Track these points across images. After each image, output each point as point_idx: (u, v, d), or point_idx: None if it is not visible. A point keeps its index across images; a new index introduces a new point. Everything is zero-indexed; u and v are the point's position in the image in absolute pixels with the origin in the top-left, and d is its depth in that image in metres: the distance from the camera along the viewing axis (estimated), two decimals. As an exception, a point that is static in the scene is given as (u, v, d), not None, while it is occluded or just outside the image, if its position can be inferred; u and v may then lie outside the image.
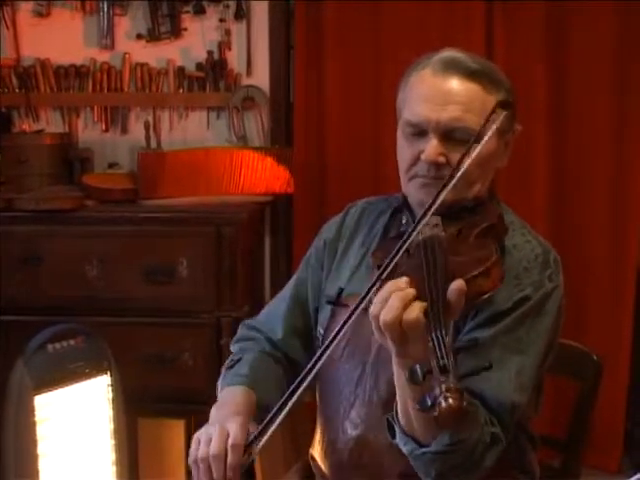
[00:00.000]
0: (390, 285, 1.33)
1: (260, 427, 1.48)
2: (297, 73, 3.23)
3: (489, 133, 1.52)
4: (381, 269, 1.39)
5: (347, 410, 1.65)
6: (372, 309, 1.32)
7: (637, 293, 3.23)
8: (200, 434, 1.55)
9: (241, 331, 1.91)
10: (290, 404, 1.43)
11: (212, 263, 2.85)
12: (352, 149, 3.20)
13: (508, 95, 1.63)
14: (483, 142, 1.51)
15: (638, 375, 3.28)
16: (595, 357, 1.99)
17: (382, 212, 1.77)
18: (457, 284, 1.29)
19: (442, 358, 1.18)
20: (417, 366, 1.20)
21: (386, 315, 1.29)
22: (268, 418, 1.46)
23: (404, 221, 1.70)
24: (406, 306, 1.29)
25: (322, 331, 1.73)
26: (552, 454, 2.02)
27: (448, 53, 1.62)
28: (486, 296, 1.36)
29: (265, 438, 1.46)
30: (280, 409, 1.44)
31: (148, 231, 2.89)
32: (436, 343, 1.21)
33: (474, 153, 1.50)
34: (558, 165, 3.18)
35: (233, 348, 1.88)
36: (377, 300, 1.32)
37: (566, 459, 2.00)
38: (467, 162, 1.50)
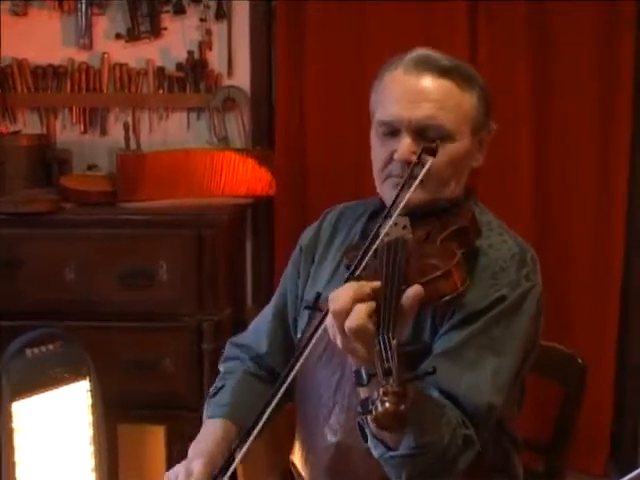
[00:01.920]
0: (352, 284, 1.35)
1: (224, 462, 1.52)
2: (279, 73, 3.24)
3: (419, 178, 1.52)
4: (349, 270, 1.42)
5: (326, 416, 1.66)
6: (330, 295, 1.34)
7: (622, 294, 3.25)
8: (170, 473, 1.62)
9: (227, 350, 1.92)
10: (261, 423, 1.44)
11: (193, 266, 2.85)
12: (334, 151, 3.21)
13: (483, 93, 1.64)
14: (413, 187, 1.51)
15: (624, 377, 3.30)
16: (579, 360, 2.00)
17: (360, 216, 1.78)
18: (413, 290, 1.31)
19: (387, 361, 1.19)
20: (362, 368, 1.21)
21: (334, 305, 1.31)
22: (236, 444, 1.50)
23: (384, 216, 1.70)
24: (358, 297, 1.30)
25: (299, 336, 1.74)
26: (536, 458, 2.03)
27: (420, 52, 1.63)
28: (447, 298, 1.37)
29: (228, 473, 1.50)
30: (250, 431, 1.45)
31: (127, 234, 2.88)
32: (382, 346, 1.21)
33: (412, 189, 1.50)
34: (542, 165, 3.20)
35: (220, 368, 1.90)
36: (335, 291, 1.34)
37: (550, 463, 2.01)
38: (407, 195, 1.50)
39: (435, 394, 1.47)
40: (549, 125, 3.19)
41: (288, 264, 1.87)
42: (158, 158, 3.12)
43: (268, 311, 1.89)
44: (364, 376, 1.21)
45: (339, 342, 1.32)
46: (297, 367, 1.41)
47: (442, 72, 1.59)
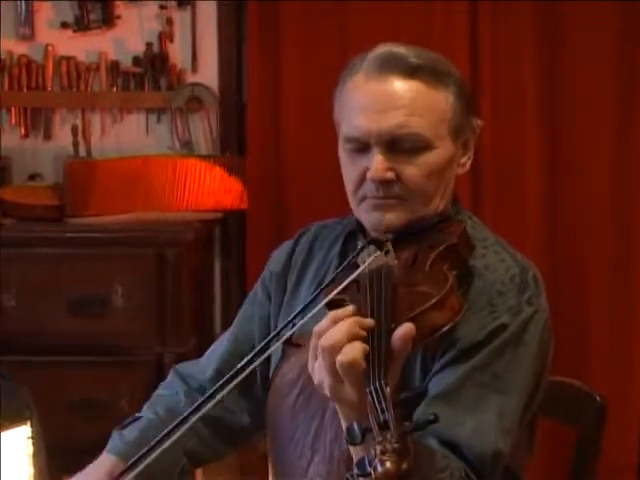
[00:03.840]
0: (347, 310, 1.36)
1: None
2: (250, 69, 3.25)
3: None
4: (327, 299, 1.42)
5: (304, 468, 1.65)
6: (317, 327, 1.35)
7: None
8: None
9: (169, 377, 1.93)
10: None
11: (152, 291, 2.86)
12: (314, 158, 3.21)
13: (459, 88, 1.64)
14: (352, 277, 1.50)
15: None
16: (598, 397, 2.00)
17: (336, 238, 1.78)
18: (402, 330, 1.31)
19: (382, 412, 1.19)
20: (355, 424, 1.20)
21: (325, 341, 1.31)
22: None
23: (359, 247, 1.70)
24: (353, 335, 1.31)
25: (271, 373, 1.74)
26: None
27: (383, 49, 1.61)
28: (444, 330, 1.37)
29: None
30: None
31: (77, 254, 2.89)
32: (374, 396, 1.22)
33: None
34: (553, 173, 3.22)
35: (154, 393, 1.91)
36: (326, 319, 1.35)
37: (566, 517, 2.01)
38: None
39: (434, 443, 1.47)
40: (560, 130, 3.21)
41: (256, 288, 1.88)
42: (112, 166, 3.12)
43: (225, 337, 1.89)
44: (358, 433, 1.20)
45: (327, 385, 1.33)
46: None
47: (409, 72, 1.58)
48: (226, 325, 3.30)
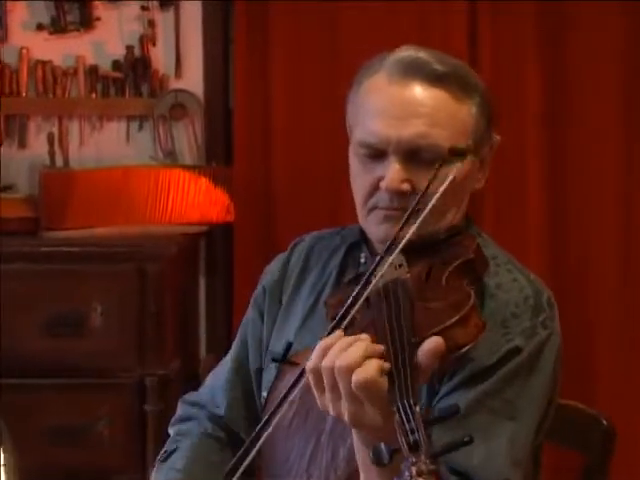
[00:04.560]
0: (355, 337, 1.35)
1: None
2: (237, 74, 3.25)
3: (441, 189, 1.52)
4: (334, 321, 1.41)
5: (299, 494, 1.66)
6: (326, 360, 1.34)
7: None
8: None
9: (180, 409, 1.92)
10: None
11: (133, 309, 2.85)
12: (305, 168, 3.22)
13: (483, 101, 1.64)
14: (432, 203, 1.51)
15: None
16: (605, 422, 2.00)
17: (336, 249, 1.78)
18: (431, 343, 1.30)
19: (412, 433, 1.18)
20: (382, 445, 1.20)
21: (342, 361, 1.30)
22: None
23: (362, 260, 1.70)
24: (370, 352, 1.31)
25: (265, 394, 1.73)
26: None
27: (407, 53, 1.61)
28: (464, 350, 1.37)
29: None
30: None
31: (53, 270, 2.88)
32: (403, 415, 1.21)
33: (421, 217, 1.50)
34: (556, 182, 3.22)
35: (171, 431, 1.89)
36: (336, 348, 1.33)
37: None
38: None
39: (442, 470, 1.46)
40: (563, 135, 3.23)
41: (249, 306, 1.87)
42: (91, 177, 3.12)
43: (225, 363, 1.89)
44: (385, 453, 1.19)
45: (347, 412, 1.32)
46: (264, 436, 1.41)
47: (434, 79, 1.58)
48: (211, 345, 3.35)
